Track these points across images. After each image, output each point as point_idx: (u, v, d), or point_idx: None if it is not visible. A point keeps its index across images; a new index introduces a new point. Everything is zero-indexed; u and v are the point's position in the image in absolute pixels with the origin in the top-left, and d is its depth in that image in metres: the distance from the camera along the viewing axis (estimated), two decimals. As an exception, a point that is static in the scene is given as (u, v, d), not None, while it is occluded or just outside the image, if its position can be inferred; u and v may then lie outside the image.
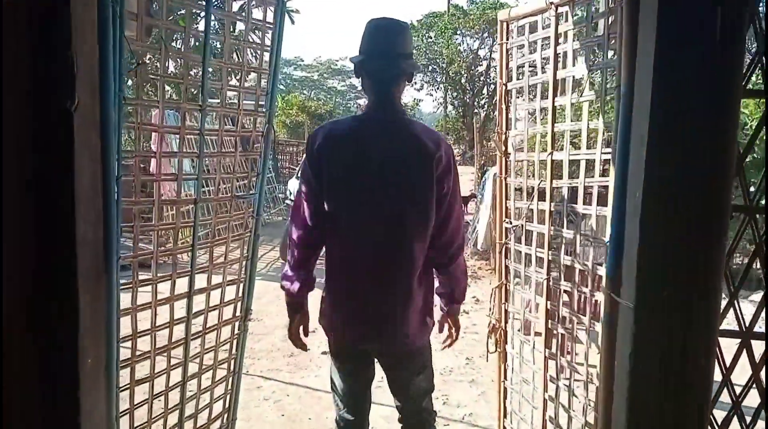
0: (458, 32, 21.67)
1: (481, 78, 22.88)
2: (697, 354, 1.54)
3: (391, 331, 1.94)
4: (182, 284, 2.15)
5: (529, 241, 2.32)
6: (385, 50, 1.88)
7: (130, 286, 1.95)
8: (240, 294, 2.43)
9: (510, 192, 2.45)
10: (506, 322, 2.52)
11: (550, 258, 2.18)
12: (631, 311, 1.56)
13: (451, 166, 1.90)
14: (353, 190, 1.86)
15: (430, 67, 22.45)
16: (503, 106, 2.40)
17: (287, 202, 7.97)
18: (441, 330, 2.12)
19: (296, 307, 2.04)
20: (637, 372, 1.57)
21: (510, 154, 2.41)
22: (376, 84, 1.91)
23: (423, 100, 21.34)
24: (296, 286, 1.97)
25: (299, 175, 2.19)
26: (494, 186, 6.62)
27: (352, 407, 2.11)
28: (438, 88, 23.72)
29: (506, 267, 2.50)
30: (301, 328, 2.07)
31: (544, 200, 2.19)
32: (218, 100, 2.18)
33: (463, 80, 22.66)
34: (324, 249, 1.98)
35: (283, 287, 2.01)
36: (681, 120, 1.50)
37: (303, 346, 2.10)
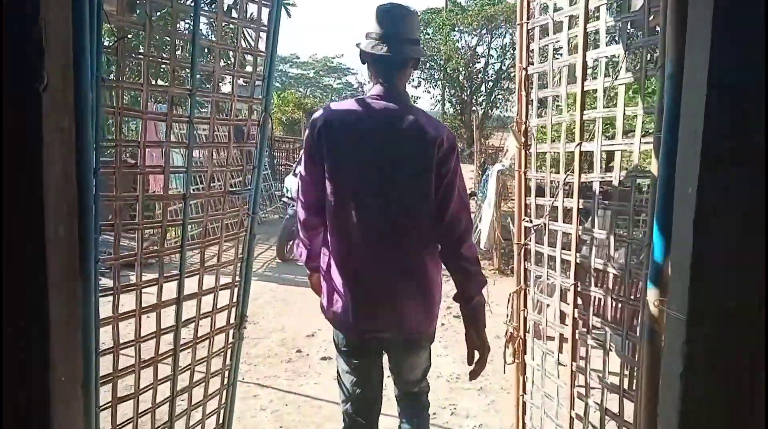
0: (456, 29, 21.42)
1: (479, 75, 22.62)
2: (760, 372, 1.35)
3: (404, 316, 1.89)
4: (171, 289, 1.94)
5: (553, 241, 2.12)
6: (392, 35, 1.84)
7: (112, 291, 1.74)
8: (234, 299, 2.23)
9: (531, 187, 2.25)
10: (525, 331, 2.32)
11: (578, 261, 1.98)
12: (683, 323, 1.37)
13: (453, 150, 1.86)
14: (353, 173, 1.84)
15: (428, 64, 22.18)
16: (523, 93, 2.20)
17: (284, 199, 7.79)
18: (470, 360, 1.90)
19: (311, 269, 2.11)
20: (689, 393, 1.37)
21: (530, 145, 2.21)
22: (382, 69, 1.88)
23: (420, 97, 21.06)
24: (304, 257, 2.09)
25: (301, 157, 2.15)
26: (498, 183, 6.41)
27: (363, 410, 2.02)
28: (435, 86, 23.46)
29: (525, 270, 2.30)
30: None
31: (570, 196, 1.99)
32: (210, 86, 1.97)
33: (461, 77, 22.41)
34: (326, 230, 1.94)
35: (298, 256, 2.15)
36: (744, 104, 1.31)
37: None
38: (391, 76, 1.87)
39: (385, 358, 2.06)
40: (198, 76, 1.83)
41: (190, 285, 2.02)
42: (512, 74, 23.34)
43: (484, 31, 21.35)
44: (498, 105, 23.01)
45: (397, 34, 1.84)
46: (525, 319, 2.32)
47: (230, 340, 2.25)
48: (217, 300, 2.15)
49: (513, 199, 6.21)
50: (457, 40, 21.92)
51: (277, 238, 7.44)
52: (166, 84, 1.94)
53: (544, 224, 2.13)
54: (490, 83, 22.84)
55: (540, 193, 2.21)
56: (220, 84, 2.07)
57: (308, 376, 3.91)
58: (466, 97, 22.99)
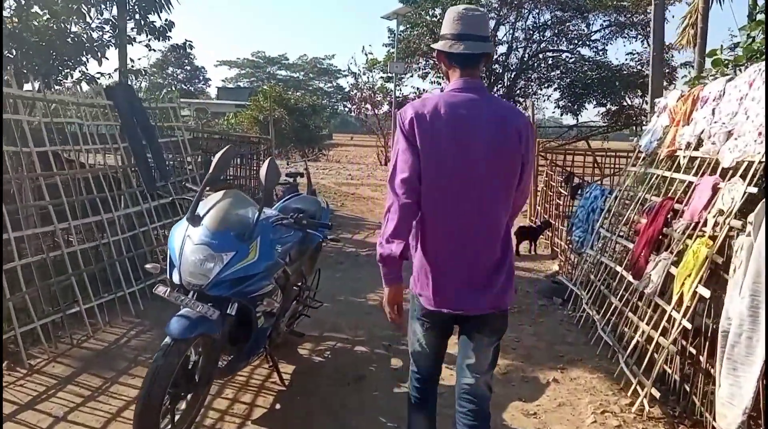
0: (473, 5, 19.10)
1: (500, 63, 20.18)
2: None
3: (487, 291, 2.32)
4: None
5: None
6: (467, 34, 2.29)
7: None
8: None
9: None
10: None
11: None
12: None
13: (533, 134, 2.36)
14: (445, 158, 2.24)
15: (436, 52, 19.78)
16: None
17: (157, 283, 3.19)
18: None
19: (393, 276, 2.29)
20: None
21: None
22: (460, 65, 2.32)
23: (427, 90, 18.77)
24: (398, 249, 2.22)
25: (396, 143, 2.31)
26: None
27: (432, 361, 2.52)
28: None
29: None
30: (396, 306, 2.34)
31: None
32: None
33: (477, 66, 20.00)
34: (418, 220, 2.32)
35: (381, 256, 2.26)
36: None
37: (398, 320, 2.37)
38: (468, 71, 2.32)
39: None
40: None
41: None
42: (536, 64, 21.08)
43: (505, 10, 19.04)
44: (520, 100, 20.76)
45: (471, 33, 2.28)
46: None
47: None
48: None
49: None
50: (474, 21, 19.60)
51: (141, 394, 2.79)
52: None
53: None
54: (513, 73, 20.50)
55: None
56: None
57: None
58: (483, 90, 20.57)
